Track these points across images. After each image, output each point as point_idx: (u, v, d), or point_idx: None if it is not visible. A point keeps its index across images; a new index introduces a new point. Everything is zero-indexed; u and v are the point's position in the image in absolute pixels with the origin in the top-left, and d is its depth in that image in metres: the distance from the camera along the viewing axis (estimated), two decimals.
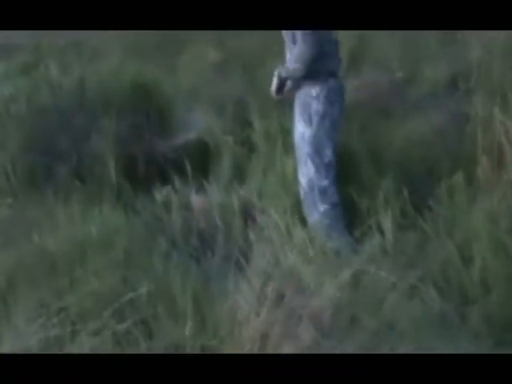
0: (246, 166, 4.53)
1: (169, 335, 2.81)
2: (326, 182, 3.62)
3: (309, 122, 3.61)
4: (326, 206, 3.61)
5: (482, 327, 2.91)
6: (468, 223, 3.28)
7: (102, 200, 4.18)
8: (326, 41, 3.54)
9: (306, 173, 3.64)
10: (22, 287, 3.19)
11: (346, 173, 3.79)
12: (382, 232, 3.43)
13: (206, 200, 4.23)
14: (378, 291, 2.66)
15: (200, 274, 3.29)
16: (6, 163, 4.52)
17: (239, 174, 4.51)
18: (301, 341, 2.52)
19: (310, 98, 3.60)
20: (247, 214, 4.05)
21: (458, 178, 3.58)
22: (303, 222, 3.64)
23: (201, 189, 4.36)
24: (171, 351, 2.75)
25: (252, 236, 3.69)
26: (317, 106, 3.59)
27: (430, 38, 5.74)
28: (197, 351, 2.71)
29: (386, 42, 5.69)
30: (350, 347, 2.48)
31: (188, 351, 2.73)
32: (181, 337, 2.75)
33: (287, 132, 4.40)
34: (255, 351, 2.55)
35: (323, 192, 3.62)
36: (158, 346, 2.75)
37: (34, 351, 2.66)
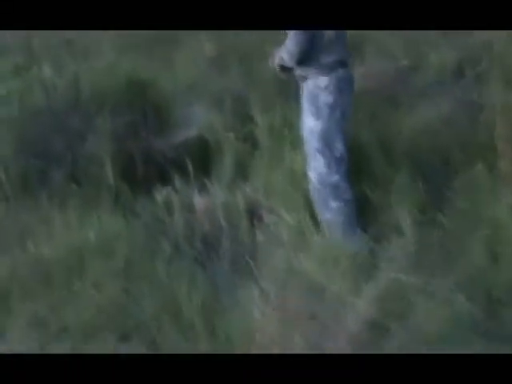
0: (250, 162, 4.23)
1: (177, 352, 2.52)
2: (337, 178, 3.34)
3: (317, 114, 3.32)
4: (338, 203, 3.33)
5: None
6: (493, 218, 2.99)
7: (100, 203, 3.89)
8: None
9: (316, 168, 3.36)
10: (17, 300, 2.91)
11: (356, 167, 3.50)
12: (399, 229, 3.14)
13: (208, 200, 3.93)
14: (406, 298, 2.38)
15: (207, 282, 3.01)
16: None
17: (242, 172, 4.21)
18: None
19: (318, 90, 3.32)
20: (253, 214, 3.76)
21: (478, 169, 3.29)
22: (315, 220, 3.35)
23: (203, 188, 4.08)
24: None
25: (260, 237, 3.42)
26: (326, 98, 3.30)
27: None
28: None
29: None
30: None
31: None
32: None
33: (292, 126, 4.12)
34: None
35: (335, 188, 3.33)
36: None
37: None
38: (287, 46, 3.31)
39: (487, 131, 3.68)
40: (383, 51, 5.17)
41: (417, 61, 5.22)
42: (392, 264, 2.51)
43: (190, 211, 3.85)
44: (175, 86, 5.11)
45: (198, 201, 3.94)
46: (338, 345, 2.23)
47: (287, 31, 3.31)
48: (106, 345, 2.42)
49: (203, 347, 2.43)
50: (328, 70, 3.29)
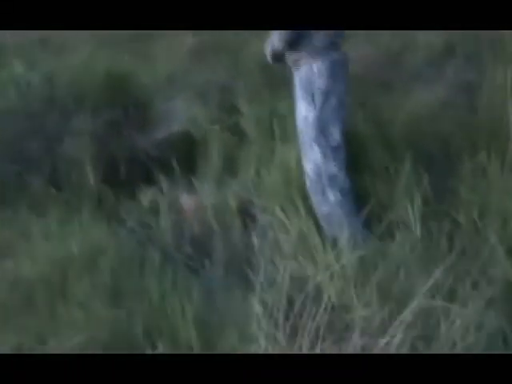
0: (238, 156, 3.95)
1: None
2: (334, 168, 3.06)
3: (312, 101, 3.04)
4: (336, 194, 3.06)
5: None
6: (506, 210, 2.73)
7: (82, 209, 3.61)
8: None
9: (312, 159, 3.08)
10: None
11: (353, 158, 3.22)
12: (404, 225, 2.87)
13: (197, 200, 3.65)
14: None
15: (201, 294, 2.72)
16: None
17: (231, 167, 3.94)
18: None
19: (311, 75, 3.03)
20: (245, 213, 3.48)
21: (483, 156, 3.02)
22: (314, 220, 3.07)
23: (190, 187, 3.79)
24: None
25: (255, 240, 3.14)
26: (320, 83, 3.02)
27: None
28: None
29: None
30: None
31: None
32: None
33: (282, 117, 3.85)
34: None
35: (332, 179, 3.06)
36: None
37: None
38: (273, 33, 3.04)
39: (489, 115, 3.41)
40: (369, 34, 4.89)
41: (404, 42, 4.95)
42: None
43: (177, 213, 3.57)
44: (155, 80, 4.81)
45: (186, 201, 3.66)
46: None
47: None
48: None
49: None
50: (321, 52, 3.02)
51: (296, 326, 2.31)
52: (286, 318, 2.34)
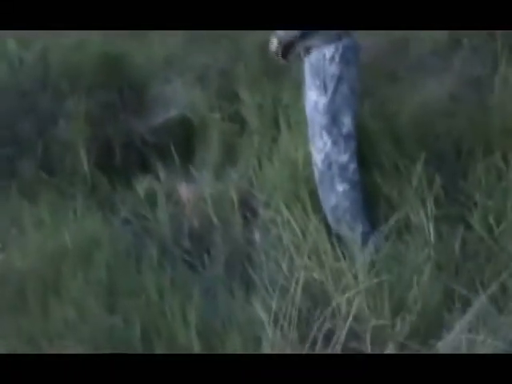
0: (238, 146, 3.79)
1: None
2: (345, 157, 2.90)
3: (323, 88, 2.87)
4: (345, 186, 2.90)
5: None
6: None
7: (75, 197, 3.43)
8: None
9: (322, 147, 2.91)
10: None
11: (361, 153, 3.06)
12: (414, 226, 2.73)
13: (196, 191, 3.48)
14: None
15: (201, 293, 2.56)
16: None
17: (230, 156, 3.77)
18: None
19: (323, 61, 2.87)
20: (246, 207, 3.32)
21: (497, 157, 2.87)
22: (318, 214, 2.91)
23: (188, 176, 3.63)
24: None
25: (257, 236, 2.99)
26: (332, 69, 2.86)
27: None
28: None
29: None
30: None
31: None
32: None
33: (284, 105, 3.68)
34: None
35: (343, 168, 2.90)
36: None
37: None
38: None
39: (502, 112, 3.26)
40: None
41: (408, 32, 4.78)
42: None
43: (175, 204, 3.41)
44: (151, 62, 4.60)
45: (184, 192, 3.49)
46: None
47: None
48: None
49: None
50: (333, 37, 2.86)
51: (303, 335, 2.17)
52: (293, 325, 2.20)
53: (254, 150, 3.64)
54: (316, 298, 2.27)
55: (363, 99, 3.46)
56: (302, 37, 2.88)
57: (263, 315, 2.18)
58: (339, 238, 2.79)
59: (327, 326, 2.17)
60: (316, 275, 2.39)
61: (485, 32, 4.31)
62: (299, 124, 3.41)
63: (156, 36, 4.93)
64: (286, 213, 2.90)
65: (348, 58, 2.92)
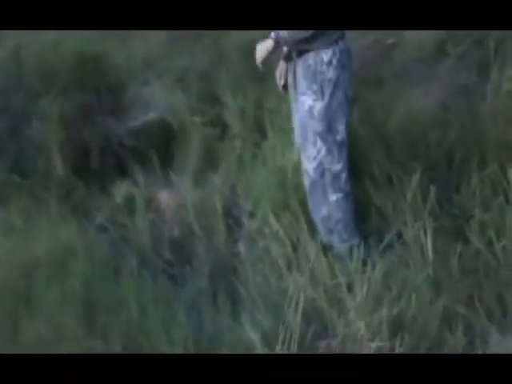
0: (220, 151, 3.62)
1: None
2: (339, 166, 2.76)
3: (320, 93, 2.72)
4: (338, 195, 2.76)
5: None
6: None
7: (49, 202, 3.23)
8: None
9: (315, 155, 2.76)
10: None
11: (351, 162, 2.91)
12: (408, 241, 2.58)
13: (176, 197, 3.31)
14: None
15: (184, 307, 2.38)
16: None
17: (211, 162, 3.60)
18: None
19: (320, 65, 2.71)
20: (229, 215, 3.15)
21: (494, 168, 2.74)
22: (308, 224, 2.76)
23: (169, 182, 3.45)
24: None
25: (241, 247, 2.82)
26: (329, 74, 2.71)
27: None
28: None
29: None
30: None
31: None
32: None
33: (268, 110, 3.53)
34: None
35: (336, 178, 2.75)
36: None
37: None
38: None
39: (494, 122, 3.13)
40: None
41: (393, 37, 4.66)
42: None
43: (155, 211, 3.22)
44: (130, 62, 4.41)
45: (164, 198, 3.31)
46: None
47: None
48: None
49: None
50: (331, 42, 2.72)
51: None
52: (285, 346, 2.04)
53: (236, 155, 3.49)
54: (310, 316, 2.11)
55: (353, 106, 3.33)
56: (300, 40, 2.73)
57: (253, 335, 2.00)
58: (331, 249, 2.64)
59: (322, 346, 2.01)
60: (310, 294, 2.22)
61: (471, 39, 4.22)
62: (284, 129, 3.26)
63: (136, 36, 4.75)
64: (274, 223, 2.74)
65: (344, 62, 2.78)
